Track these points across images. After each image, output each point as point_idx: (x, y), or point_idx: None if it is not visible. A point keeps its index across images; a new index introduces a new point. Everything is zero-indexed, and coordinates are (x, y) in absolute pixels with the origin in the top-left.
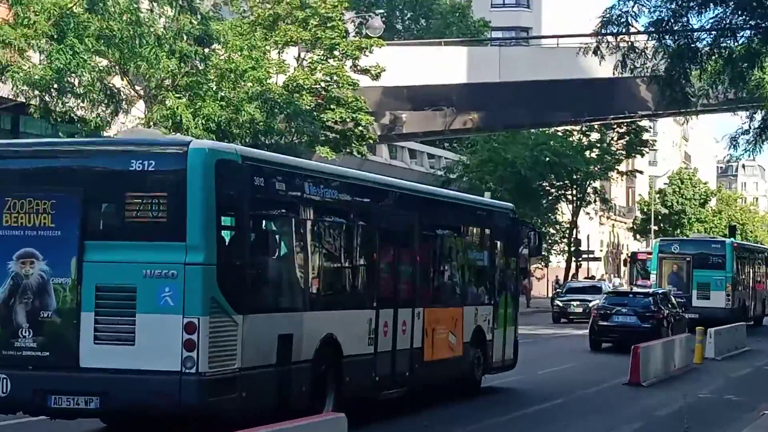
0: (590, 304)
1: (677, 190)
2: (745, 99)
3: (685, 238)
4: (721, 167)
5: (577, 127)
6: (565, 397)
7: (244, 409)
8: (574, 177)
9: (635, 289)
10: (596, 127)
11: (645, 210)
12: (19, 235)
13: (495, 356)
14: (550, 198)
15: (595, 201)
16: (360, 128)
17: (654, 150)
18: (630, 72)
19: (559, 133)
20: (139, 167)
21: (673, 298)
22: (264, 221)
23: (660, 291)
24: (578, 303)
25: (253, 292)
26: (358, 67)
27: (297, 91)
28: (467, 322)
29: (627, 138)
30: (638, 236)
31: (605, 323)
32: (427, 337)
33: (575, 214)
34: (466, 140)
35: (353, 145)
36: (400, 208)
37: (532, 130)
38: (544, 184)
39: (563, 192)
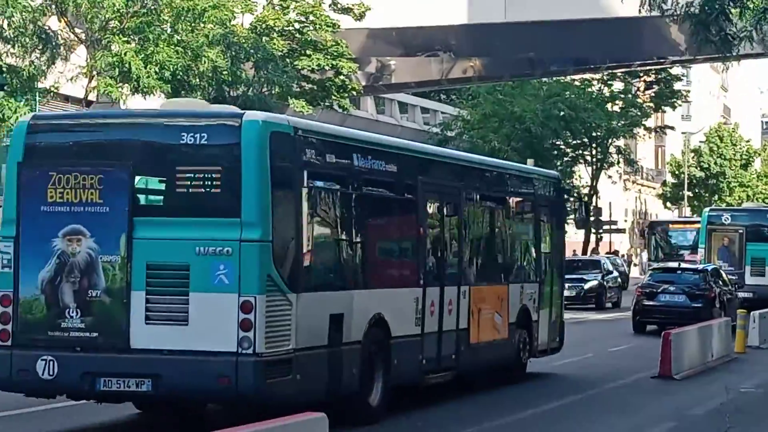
0: (585, 286)
1: (715, 149)
2: None
3: (737, 207)
4: (767, 122)
5: (597, 76)
6: (586, 392)
7: (298, 393)
8: (594, 134)
9: (683, 265)
10: (619, 75)
11: (677, 173)
12: (65, 212)
13: (541, 338)
14: (565, 159)
15: (618, 162)
16: (341, 78)
17: (687, 102)
18: (658, 10)
19: (576, 83)
20: (190, 140)
21: (724, 275)
22: (316, 196)
23: (710, 267)
24: (570, 285)
25: (306, 269)
26: (339, 6)
27: (266, 34)
28: (513, 302)
29: (656, 88)
30: (669, 204)
31: (650, 303)
32: (473, 317)
33: (595, 177)
34: (466, 91)
35: (333, 97)
36: (447, 179)
37: (544, 80)
38: (558, 142)
39: (581, 152)
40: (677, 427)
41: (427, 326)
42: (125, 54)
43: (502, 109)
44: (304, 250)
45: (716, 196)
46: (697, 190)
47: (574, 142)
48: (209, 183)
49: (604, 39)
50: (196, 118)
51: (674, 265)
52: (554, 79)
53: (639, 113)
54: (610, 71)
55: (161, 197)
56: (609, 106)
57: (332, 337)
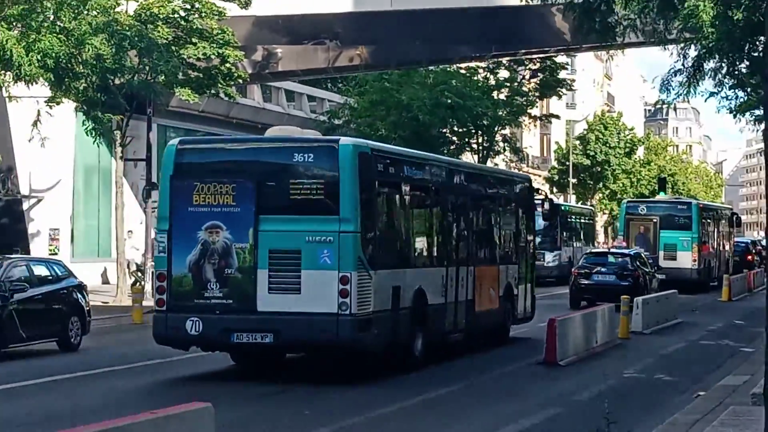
0: None
1: (599, 137)
2: (676, 31)
3: (652, 199)
4: (649, 110)
5: (483, 64)
6: (473, 378)
7: (374, 343)
8: (480, 122)
9: (613, 250)
10: (505, 63)
11: (562, 160)
12: (206, 211)
13: (519, 309)
14: (452, 147)
15: (504, 150)
16: (227, 66)
17: (572, 91)
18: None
19: (462, 71)
20: (300, 159)
21: (645, 259)
22: (383, 198)
23: (633, 252)
24: None
25: (379, 253)
26: None
27: (151, 22)
28: (501, 279)
29: (540, 77)
30: (555, 190)
31: (586, 282)
32: (477, 291)
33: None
34: (353, 80)
35: (219, 85)
36: (461, 183)
37: (431, 68)
38: (445, 130)
39: (467, 140)
40: (561, 414)
41: (449, 297)
42: (6, 41)
43: (389, 97)
44: (378, 239)
45: (601, 183)
46: (582, 177)
47: (461, 130)
48: (315, 190)
49: (490, 27)
50: (304, 143)
51: (605, 249)
52: (441, 67)
53: (524, 102)
54: (496, 60)
55: (279, 200)
56: (495, 94)
57: (393, 303)
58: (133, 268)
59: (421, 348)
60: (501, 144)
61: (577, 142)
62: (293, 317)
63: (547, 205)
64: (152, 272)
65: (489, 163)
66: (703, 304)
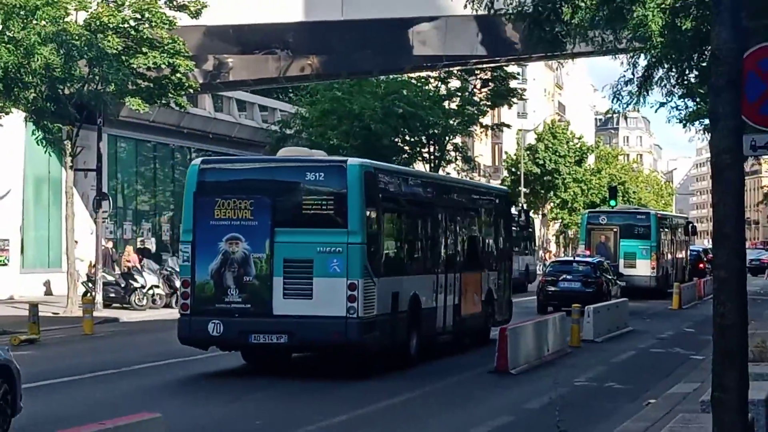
0: None
1: (549, 146)
2: (625, 41)
3: (611, 209)
4: (600, 119)
5: (434, 74)
6: (426, 387)
7: (377, 344)
8: (432, 132)
9: (578, 258)
10: (456, 73)
11: (513, 169)
12: (227, 225)
13: (498, 312)
14: (404, 156)
15: (456, 160)
16: (178, 75)
17: (523, 100)
18: (485, 9)
19: (414, 81)
20: (312, 177)
21: (607, 266)
22: (384, 212)
23: (596, 260)
24: None
25: (382, 262)
26: (175, 3)
27: (101, 31)
28: (483, 285)
29: (491, 86)
30: None
31: (552, 288)
32: (462, 296)
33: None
34: (304, 89)
35: (170, 95)
36: (449, 197)
37: (382, 78)
38: (397, 140)
39: (419, 149)
40: (512, 422)
41: (439, 302)
42: None
43: (340, 106)
44: (381, 249)
45: (551, 192)
46: (534, 186)
47: (413, 139)
48: (325, 205)
49: (441, 37)
50: (315, 163)
51: (570, 258)
52: (392, 77)
53: (475, 111)
54: (447, 69)
55: (293, 215)
56: (446, 103)
57: (393, 307)
58: (83, 278)
59: (416, 348)
60: (452, 153)
61: (528, 152)
62: (306, 320)
63: (523, 216)
64: (102, 283)
65: (441, 172)
66: (654, 312)
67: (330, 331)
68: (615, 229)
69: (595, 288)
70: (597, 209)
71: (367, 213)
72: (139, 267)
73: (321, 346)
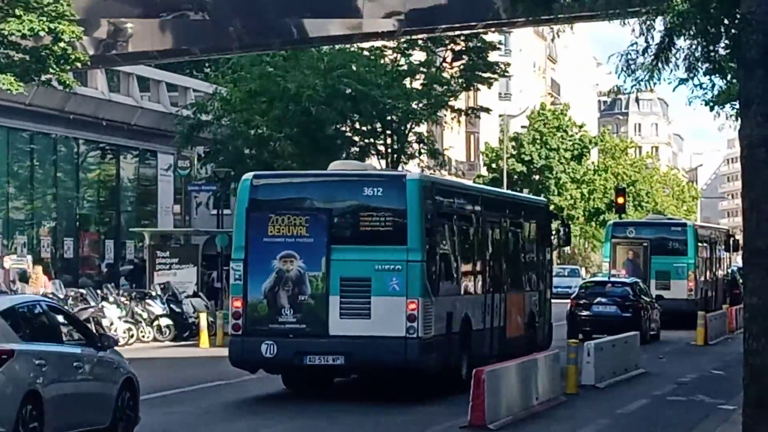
0: None
1: (537, 137)
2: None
3: (641, 220)
4: (605, 102)
5: (392, 43)
6: None
7: (435, 366)
8: (389, 118)
9: (612, 279)
10: (420, 43)
11: (494, 165)
12: (281, 242)
13: (539, 336)
14: (353, 149)
15: (419, 153)
16: (61, 45)
17: (506, 77)
18: None
19: (366, 52)
20: (370, 192)
21: (644, 288)
22: (440, 228)
23: (632, 280)
24: None
25: (439, 281)
26: None
27: None
28: (526, 307)
29: (466, 59)
30: None
31: (585, 313)
32: (507, 318)
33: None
34: (225, 63)
35: (52, 70)
36: (496, 211)
37: (324, 48)
38: (344, 128)
39: (372, 140)
40: None
41: (486, 323)
42: None
43: (272, 85)
44: (437, 268)
45: (542, 194)
46: (519, 187)
47: (364, 128)
48: (383, 221)
49: None
50: (373, 177)
51: (604, 279)
52: (337, 47)
53: (445, 91)
54: (408, 37)
55: (350, 231)
56: (407, 82)
57: (447, 327)
58: None
59: (466, 371)
60: (415, 145)
61: (512, 144)
62: (363, 340)
63: (563, 231)
64: None
65: (400, 168)
66: (673, 349)
67: (389, 351)
68: (645, 244)
69: (633, 312)
70: (623, 220)
71: (426, 229)
72: (80, 291)
73: (379, 367)
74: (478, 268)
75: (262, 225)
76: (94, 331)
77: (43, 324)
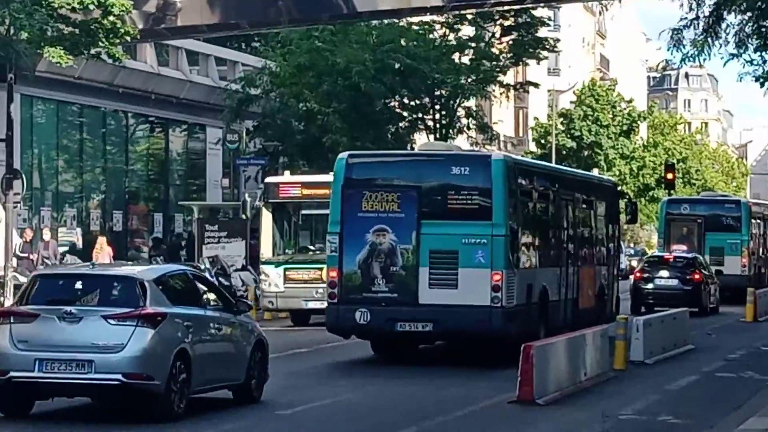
0: None
1: (589, 113)
2: None
3: (695, 197)
4: (654, 77)
5: (441, 18)
6: (427, 421)
7: (516, 332)
8: (437, 92)
9: (675, 254)
10: (469, 18)
11: (542, 141)
12: (374, 217)
13: (608, 308)
14: (402, 123)
15: (468, 128)
16: (111, 18)
17: (556, 52)
18: None
19: (415, 27)
20: (457, 172)
21: (705, 263)
22: (521, 205)
23: (692, 255)
24: None
25: (519, 254)
26: None
27: None
28: (597, 280)
29: (515, 35)
30: None
31: (649, 286)
32: (580, 290)
33: None
34: (274, 38)
35: (101, 44)
36: (571, 189)
37: (374, 22)
38: (393, 103)
39: (421, 115)
40: None
41: (561, 295)
42: None
43: (320, 59)
44: (519, 242)
45: (592, 171)
46: (568, 163)
47: (413, 103)
48: (470, 198)
49: None
50: (460, 158)
51: (665, 254)
52: (386, 22)
53: (494, 66)
54: (458, 12)
55: (438, 207)
56: (456, 57)
57: (527, 298)
58: None
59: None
60: (464, 120)
61: (561, 120)
62: (451, 309)
63: (630, 208)
64: (13, 285)
65: (449, 142)
66: (722, 325)
67: (475, 319)
68: (699, 220)
69: (694, 285)
70: (678, 197)
71: (509, 205)
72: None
73: (465, 335)
74: (554, 242)
75: (356, 201)
76: (231, 299)
77: (188, 290)
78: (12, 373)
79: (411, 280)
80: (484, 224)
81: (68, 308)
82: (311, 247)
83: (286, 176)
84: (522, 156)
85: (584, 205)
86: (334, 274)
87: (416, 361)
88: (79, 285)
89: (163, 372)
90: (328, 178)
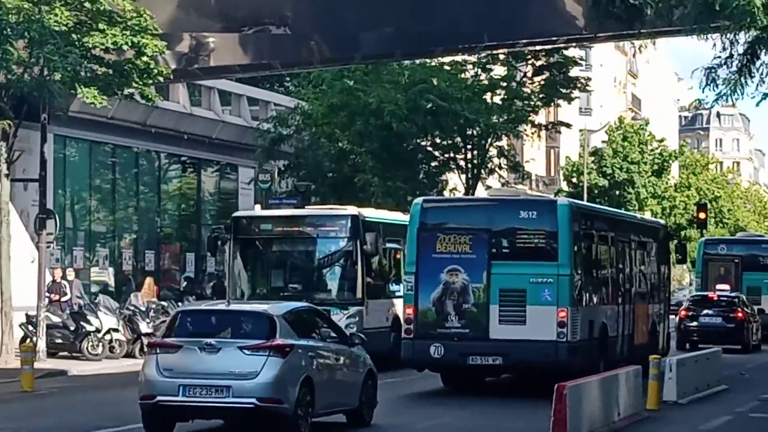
0: None
1: (620, 150)
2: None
3: (732, 237)
4: (686, 117)
5: (473, 58)
6: None
7: (579, 366)
8: (470, 132)
9: (718, 293)
10: (502, 58)
11: (574, 180)
12: (447, 257)
13: (660, 344)
14: (434, 163)
15: (500, 167)
16: (144, 59)
17: (587, 92)
18: None
19: (447, 67)
20: (525, 215)
21: (747, 302)
22: (584, 247)
23: (735, 294)
24: None
25: (582, 292)
26: None
27: (45, 2)
28: (650, 317)
29: (547, 75)
30: None
31: (693, 324)
32: (635, 326)
33: (471, 187)
34: (306, 77)
35: (135, 84)
36: (626, 231)
37: (406, 62)
38: (425, 143)
39: (453, 155)
40: None
41: (619, 331)
42: None
43: (352, 99)
44: (582, 281)
45: (623, 209)
46: (599, 201)
47: (445, 142)
48: (537, 240)
49: (483, 12)
50: (528, 203)
51: (709, 293)
52: (418, 62)
53: (525, 106)
54: (489, 53)
55: (508, 249)
56: (488, 96)
57: (589, 333)
58: (21, 319)
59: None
60: (496, 159)
61: (592, 158)
62: (520, 343)
63: (679, 249)
64: (45, 325)
65: (480, 186)
66: (756, 365)
67: (542, 353)
68: (736, 260)
69: (736, 323)
70: (715, 237)
71: (574, 247)
72: (161, 303)
73: (532, 367)
74: (612, 281)
75: (431, 243)
76: (346, 332)
77: (311, 324)
78: (159, 398)
79: (482, 316)
80: (550, 264)
81: (208, 340)
82: (284, 287)
83: (257, 210)
84: (553, 195)
85: (638, 246)
86: (410, 311)
87: (484, 392)
88: (216, 320)
89: (291, 397)
90: (303, 212)
